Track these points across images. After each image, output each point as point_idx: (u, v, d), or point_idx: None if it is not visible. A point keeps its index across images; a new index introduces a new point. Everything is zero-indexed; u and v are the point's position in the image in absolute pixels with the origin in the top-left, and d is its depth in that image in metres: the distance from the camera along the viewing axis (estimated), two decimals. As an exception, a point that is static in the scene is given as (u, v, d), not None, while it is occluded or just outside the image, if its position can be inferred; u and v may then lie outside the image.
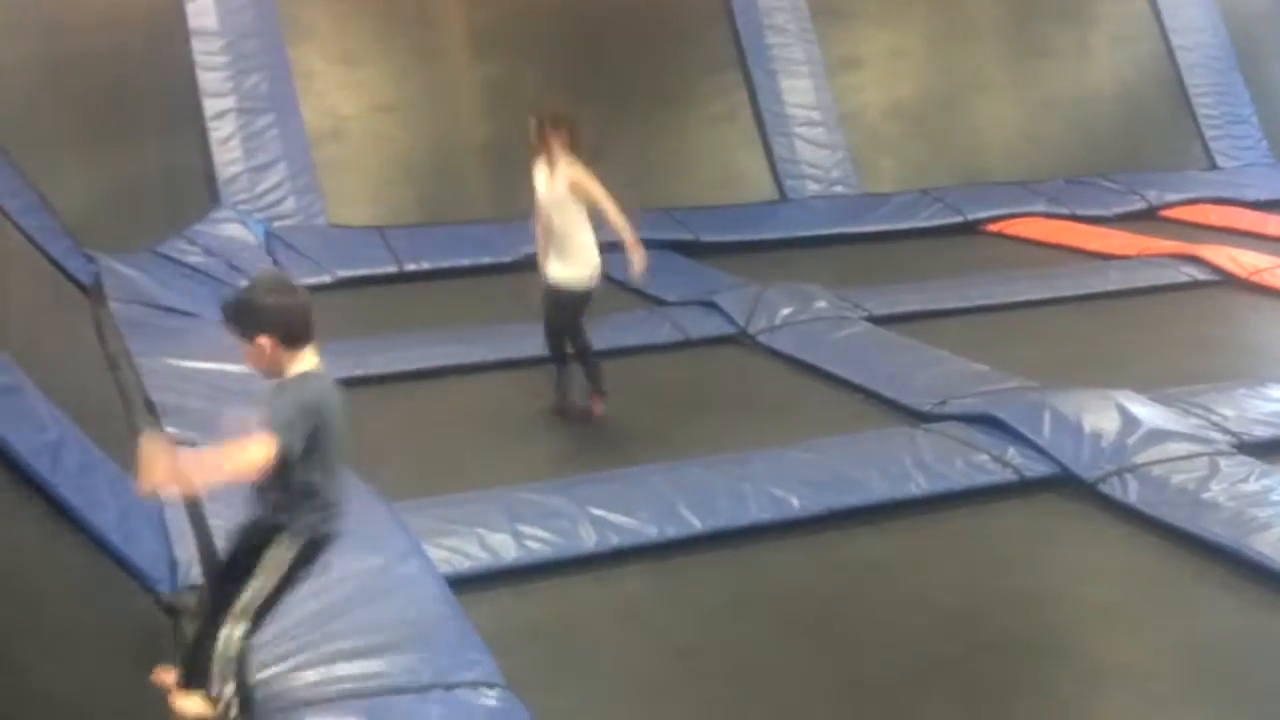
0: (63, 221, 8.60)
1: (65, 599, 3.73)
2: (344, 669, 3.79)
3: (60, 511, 4.01)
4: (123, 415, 5.82)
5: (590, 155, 6.08)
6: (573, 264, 6.05)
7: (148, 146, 9.95)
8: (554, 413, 6.39)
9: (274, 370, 3.19)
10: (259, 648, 3.66)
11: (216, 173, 10.28)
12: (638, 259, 6.10)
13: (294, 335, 3.19)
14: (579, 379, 6.50)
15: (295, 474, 3.13)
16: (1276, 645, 4.53)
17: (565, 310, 6.18)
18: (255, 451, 3.00)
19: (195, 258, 9.46)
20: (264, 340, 3.17)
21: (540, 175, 6.09)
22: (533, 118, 6.10)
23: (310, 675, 3.74)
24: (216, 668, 3.17)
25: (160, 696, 3.53)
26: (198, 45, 10.53)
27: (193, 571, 4.24)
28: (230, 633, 3.19)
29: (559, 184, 5.95)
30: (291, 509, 3.18)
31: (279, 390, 3.15)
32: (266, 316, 3.18)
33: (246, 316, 3.21)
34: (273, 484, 3.13)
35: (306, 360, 3.21)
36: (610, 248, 6.39)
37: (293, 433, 3.08)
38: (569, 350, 6.38)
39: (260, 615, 3.22)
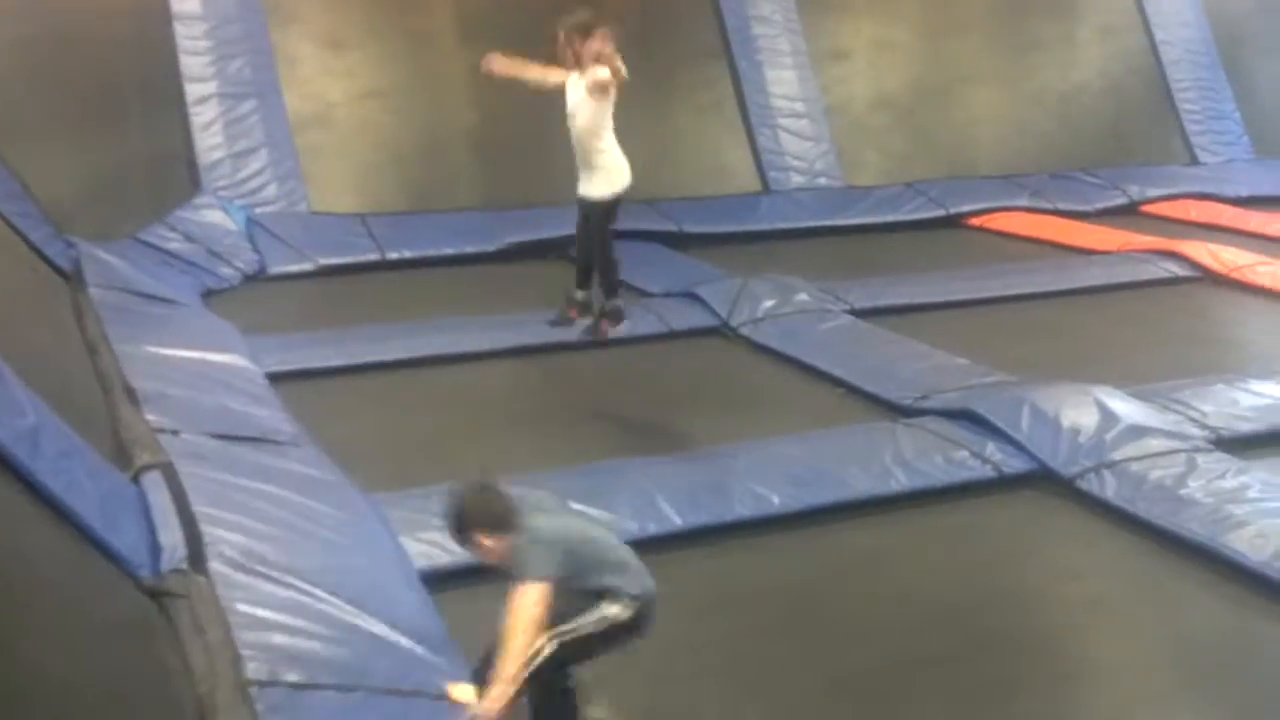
0: (43, 207, 8.54)
1: (49, 584, 3.72)
2: (326, 662, 3.79)
3: (40, 497, 3.99)
4: (102, 402, 5.79)
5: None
6: (595, 177, 5.94)
7: (129, 132, 9.88)
8: (572, 314, 6.13)
9: (504, 556, 3.52)
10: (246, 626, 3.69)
11: (198, 158, 10.22)
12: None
13: (501, 522, 3.52)
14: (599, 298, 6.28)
15: (586, 585, 3.51)
16: (1253, 642, 4.58)
17: (589, 223, 6.04)
18: (527, 604, 3.35)
19: (176, 244, 9.42)
20: (483, 539, 3.56)
21: (569, 84, 5.96)
22: (560, 33, 5.96)
23: (294, 661, 3.74)
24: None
25: (149, 679, 3.53)
26: (180, 29, 10.45)
27: (176, 556, 4.22)
28: (541, 644, 3.43)
29: (579, 87, 5.82)
30: (600, 604, 3.53)
31: (517, 552, 3.47)
32: (473, 520, 3.57)
33: (459, 530, 3.62)
34: (570, 606, 3.48)
35: (523, 529, 3.52)
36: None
37: (548, 566, 3.42)
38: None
39: (569, 648, 3.46)
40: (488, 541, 3.54)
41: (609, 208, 6.04)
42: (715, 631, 4.56)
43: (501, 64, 6.21)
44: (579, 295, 6.32)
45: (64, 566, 3.90)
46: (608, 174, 5.95)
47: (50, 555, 3.88)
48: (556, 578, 3.43)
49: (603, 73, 5.74)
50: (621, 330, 6.12)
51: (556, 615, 3.46)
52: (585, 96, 5.85)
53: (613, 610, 3.54)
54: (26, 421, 4.16)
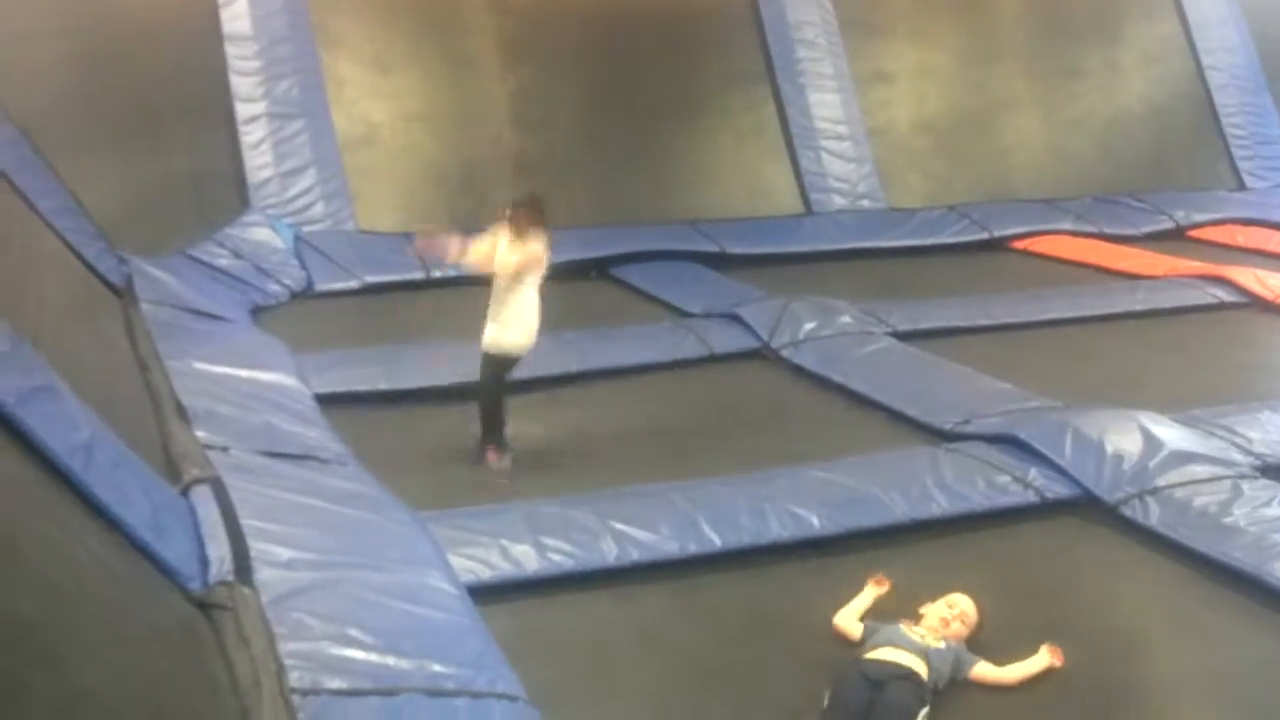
0: (95, 223, 8.67)
1: (100, 596, 3.77)
2: (370, 668, 3.84)
3: (93, 509, 4.06)
4: (153, 417, 5.87)
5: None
6: (512, 329, 6.36)
7: (179, 149, 10.03)
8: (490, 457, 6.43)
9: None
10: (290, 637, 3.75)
11: (247, 177, 10.37)
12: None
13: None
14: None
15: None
16: (1296, 673, 4.53)
17: (492, 369, 6.44)
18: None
19: (225, 261, 9.54)
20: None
21: (502, 243, 6.41)
22: (508, 209, 6.46)
23: (338, 670, 3.79)
24: None
25: (195, 690, 3.58)
26: (231, 50, 10.61)
27: (224, 568, 4.28)
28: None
29: (515, 255, 6.30)
30: None
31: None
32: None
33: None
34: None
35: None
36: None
37: None
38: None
39: None
40: None
41: (514, 359, 6.42)
42: (752, 653, 4.57)
43: (425, 244, 6.78)
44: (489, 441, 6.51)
45: (115, 577, 3.96)
46: (521, 329, 6.34)
47: (101, 566, 3.94)
48: None
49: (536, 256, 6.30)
50: (507, 463, 6.35)
51: None
52: (522, 262, 6.28)
53: None
54: (80, 435, 4.23)
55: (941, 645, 4.36)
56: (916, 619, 4.52)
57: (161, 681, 3.62)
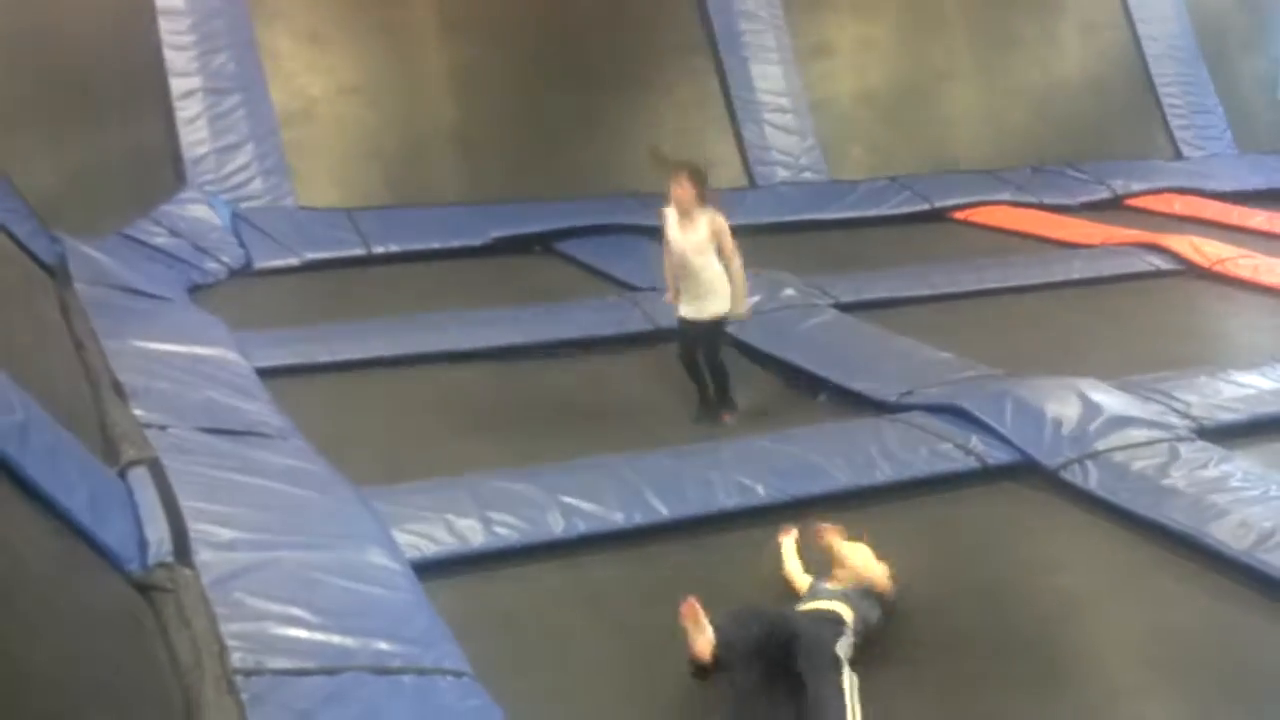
0: (27, 202, 8.52)
1: (38, 578, 3.72)
2: (313, 647, 3.82)
3: (29, 492, 4.00)
4: (90, 397, 5.79)
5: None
6: (714, 299, 6.50)
7: (113, 126, 9.86)
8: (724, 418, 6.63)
9: None
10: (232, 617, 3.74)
11: (183, 153, 10.21)
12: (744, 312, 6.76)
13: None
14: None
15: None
16: (1234, 632, 4.61)
17: (698, 340, 6.61)
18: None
19: (161, 239, 9.41)
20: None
21: (672, 219, 6.50)
22: (675, 174, 6.47)
23: (281, 649, 3.76)
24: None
25: (137, 673, 3.54)
26: (165, 24, 10.43)
27: (163, 550, 4.23)
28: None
29: (700, 231, 6.40)
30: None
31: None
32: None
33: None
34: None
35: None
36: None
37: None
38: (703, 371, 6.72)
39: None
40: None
41: (718, 326, 6.61)
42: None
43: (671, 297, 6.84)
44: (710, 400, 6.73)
45: (53, 561, 3.91)
46: (716, 298, 6.50)
47: (39, 550, 3.89)
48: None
49: (724, 236, 6.46)
50: (733, 419, 6.61)
51: None
52: (706, 240, 6.41)
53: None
54: (14, 417, 4.16)
55: (850, 586, 4.44)
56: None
57: (103, 663, 3.58)
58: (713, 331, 6.58)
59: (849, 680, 4.01)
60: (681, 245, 6.46)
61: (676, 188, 6.38)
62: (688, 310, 6.55)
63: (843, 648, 4.13)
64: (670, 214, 6.49)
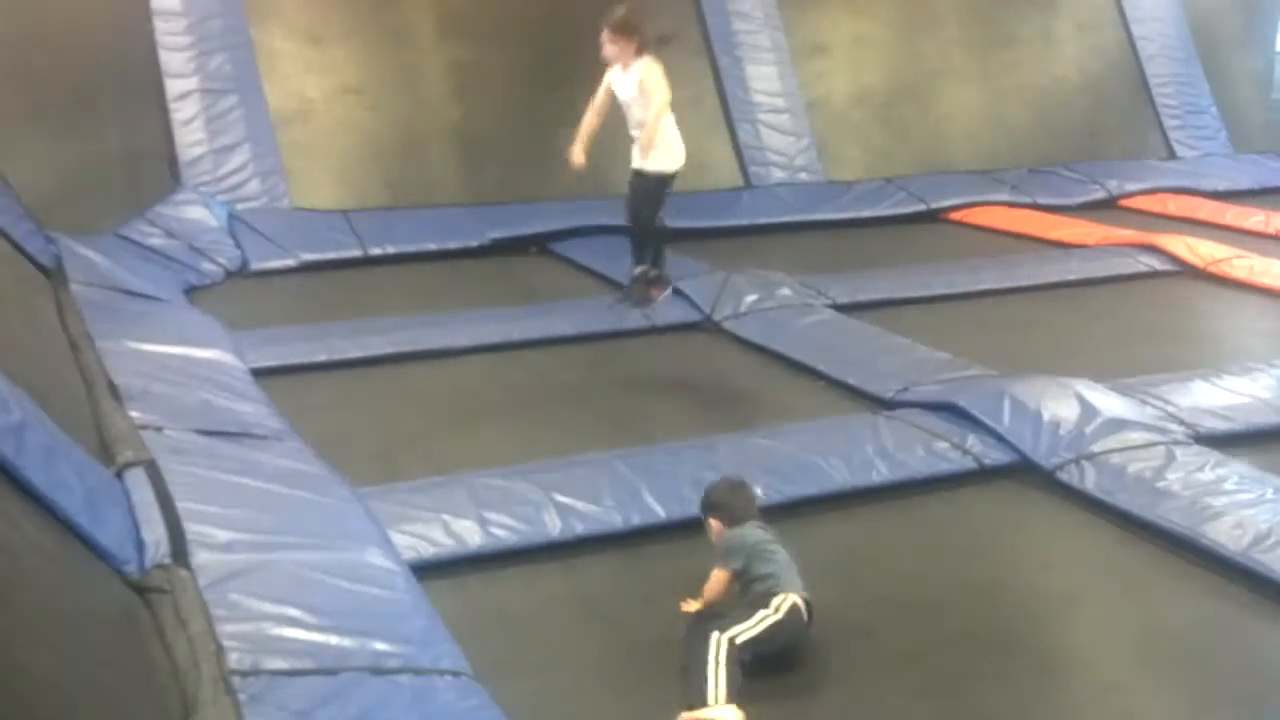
0: (23, 203, 8.52)
1: (34, 578, 3.72)
2: (311, 648, 3.81)
3: (25, 493, 4.00)
4: (86, 398, 5.79)
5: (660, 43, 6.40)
6: (651, 153, 6.31)
7: (109, 127, 9.86)
8: (653, 293, 6.52)
9: (719, 537, 4.58)
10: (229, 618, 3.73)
11: (179, 154, 10.20)
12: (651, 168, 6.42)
13: (734, 519, 4.55)
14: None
15: (751, 578, 4.38)
16: (1229, 633, 4.62)
17: (642, 195, 6.39)
18: (716, 578, 4.48)
19: (157, 240, 9.41)
20: (713, 521, 4.62)
21: (614, 75, 6.37)
22: (605, 29, 6.35)
23: (278, 650, 3.76)
24: (712, 672, 4.02)
25: (134, 674, 3.54)
26: (160, 25, 10.42)
27: (160, 551, 4.23)
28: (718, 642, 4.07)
29: (631, 81, 6.23)
30: (756, 592, 4.34)
31: (721, 543, 4.55)
32: (716, 508, 4.63)
33: (705, 508, 4.67)
34: (745, 588, 4.40)
35: (744, 530, 4.53)
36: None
37: (731, 561, 4.43)
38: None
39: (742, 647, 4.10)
40: (717, 529, 4.59)
41: (662, 182, 6.37)
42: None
43: (579, 153, 6.61)
44: (641, 271, 6.57)
45: (49, 562, 3.91)
46: (663, 151, 6.31)
47: (35, 551, 3.88)
48: (734, 569, 4.42)
49: (647, 83, 6.24)
50: (666, 294, 6.31)
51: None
52: (638, 94, 6.23)
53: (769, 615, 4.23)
54: (11, 418, 4.16)
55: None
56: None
57: (100, 665, 3.58)
58: (648, 189, 6.32)
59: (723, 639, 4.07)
60: (620, 97, 6.30)
61: (605, 44, 6.25)
62: (635, 161, 6.34)
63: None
64: (614, 70, 6.35)
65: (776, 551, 4.43)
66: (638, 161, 6.31)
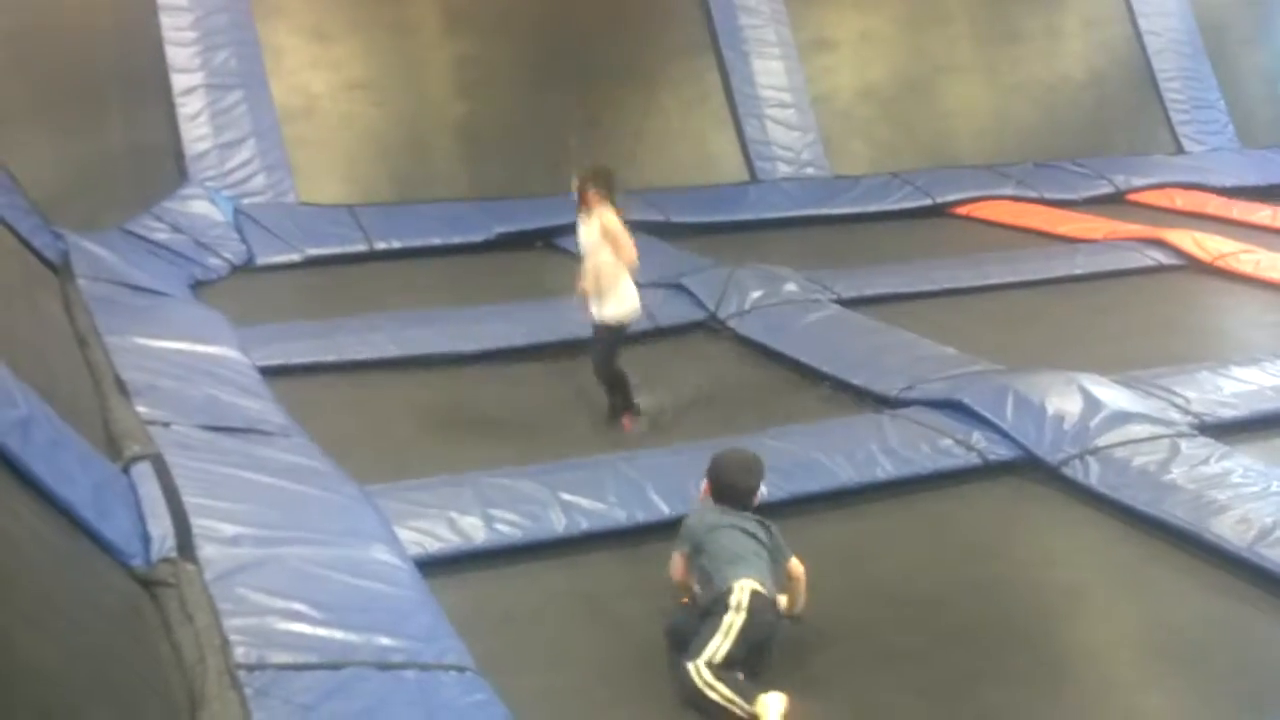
0: (30, 198, 8.53)
1: (41, 572, 3.74)
2: (316, 642, 3.83)
3: (32, 487, 4.01)
4: (93, 393, 5.80)
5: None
6: (609, 302, 6.43)
7: (116, 122, 9.87)
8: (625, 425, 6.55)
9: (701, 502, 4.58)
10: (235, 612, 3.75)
11: (185, 149, 10.22)
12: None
13: (719, 493, 4.49)
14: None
15: (700, 564, 4.34)
16: (1234, 628, 4.62)
17: (602, 343, 6.55)
18: (673, 561, 4.47)
19: (163, 235, 9.42)
20: (705, 485, 4.58)
21: (581, 224, 6.51)
22: (575, 177, 6.50)
23: (283, 644, 3.78)
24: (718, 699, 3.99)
25: (141, 668, 3.55)
26: (166, 20, 10.44)
27: (166, 545, 4.25)
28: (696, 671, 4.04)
29: (594, 230, 6.39)
30: (707, 589, 4.27)
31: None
32: (714, 472, 4.54)
33: (709, 469, 4.57)
34: (700, 575, 4.36)
35: (711, 508, 4.48)
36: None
37: (681, 544, 4.43)
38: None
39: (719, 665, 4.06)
40: (705, 491, 4.55)
41: (618, 331, 6.52)
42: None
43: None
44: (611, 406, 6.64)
45: (56, 556, 3.92)
46: (623, 298, 6.45)
47: (42, 544, 3.90)
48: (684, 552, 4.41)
49: (619, 235, 6.35)
50: (641, 425, 6.52)
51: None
52: (599, 239, 6.36)
53: (731, 619, 4.13)
54: (18, 412, 4.18)
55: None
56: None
57: (107, 658, 3.59)
58: (605, 336, 6.47)
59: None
60: (582, 245, 6.43)
61: (584, 193, 6.38)
62: (593, 309, 6.46)
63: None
64: (581, 218, 6.48)
65: (728, 537, 4.29)
66: (596, 314, 6.46)
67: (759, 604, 4.14)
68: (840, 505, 5.48)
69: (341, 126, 11.03)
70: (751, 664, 4.11)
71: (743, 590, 4.13)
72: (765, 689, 3.93)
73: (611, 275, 6.36)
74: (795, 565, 4.45)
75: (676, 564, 4.43)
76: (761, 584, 4.18)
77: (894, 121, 12.85)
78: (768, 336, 7.77)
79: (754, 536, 4.34)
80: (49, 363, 5.81)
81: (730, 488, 4.47)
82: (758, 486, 4.56)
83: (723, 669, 4.00)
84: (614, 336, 6.51)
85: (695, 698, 3.98)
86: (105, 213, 9.24)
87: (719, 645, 4.04)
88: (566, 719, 4.02)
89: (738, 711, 3.91)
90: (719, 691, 3.95)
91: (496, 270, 9.63)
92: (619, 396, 6.55)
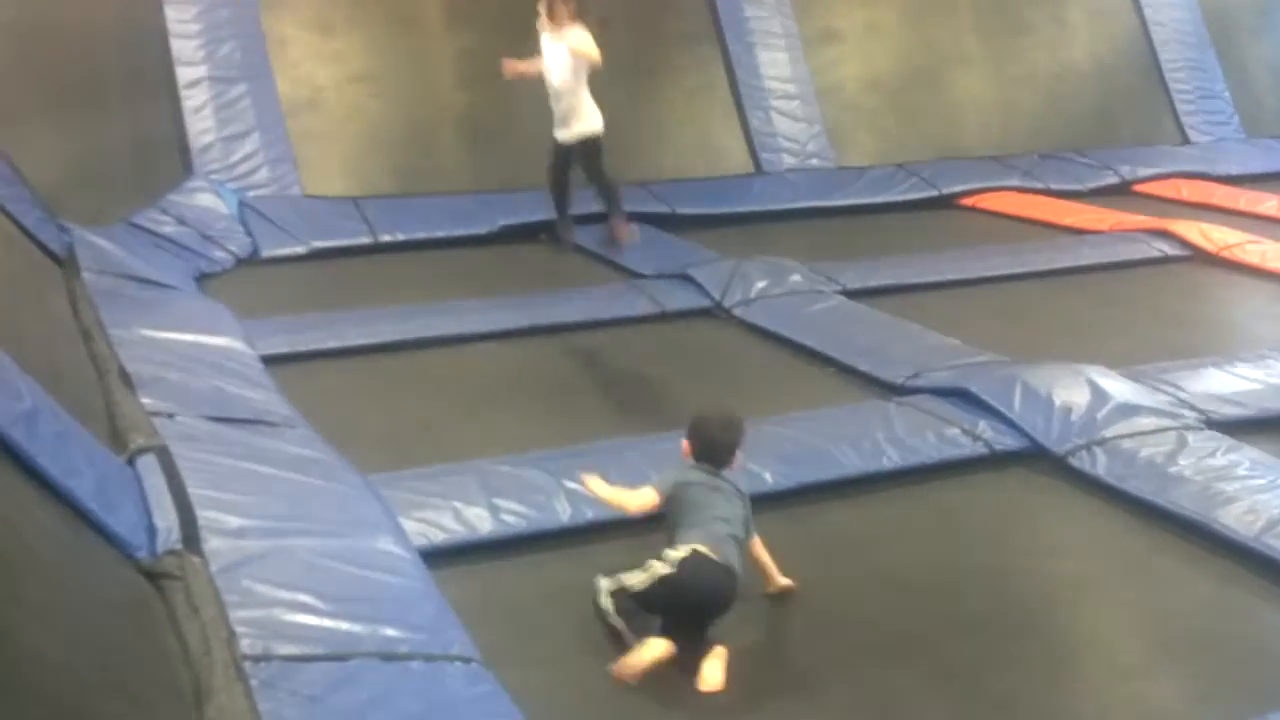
0: (35, 191, 8.53)
1: (46, 565, 3.74)
2: (322, 634, 3.83)
3: (37, 480, 4.01)
4: (98, 386, 5.80)
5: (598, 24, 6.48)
6: (573, 121, 6.42)
7: (120, 115, 9.86)
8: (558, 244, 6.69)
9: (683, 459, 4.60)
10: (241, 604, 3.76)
11: (190, 142, 10.21)
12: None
13: (700, 453, 4.53)
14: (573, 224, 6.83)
15: (666, 519, 4.44)
16: (1241, 618, 4.61)
17: (575, 160, 6.54)
18: (643, 494, 4.52)
19: (169, 228, 9.41)
20: (685, 443, 4.60)
21: (548, 42, 6.44)
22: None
23: (289, 636, 3.78)
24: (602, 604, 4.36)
25: (147, 660, 3.56)
26: (171, 13, 10.43)
27: (172, 537, 4.25)
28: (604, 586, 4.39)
29: (562, 48, 6.32)
30: (667, 532, 4.40)
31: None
32: (694, 432, 4.58)
33: (689, 428, 4.62)
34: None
35: (692, 465, 4.53)
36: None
37: (659, 486, 4.48)
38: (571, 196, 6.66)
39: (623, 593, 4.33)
40: (685, 451, 4.57)
41: (595, 143, 6.48)
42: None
43: (512, 66, 6.78)
44: (565, 230, 6.76)
45: (61, 548, 3.93)
46: (588, 117, 6.41)
47: (47, 537, 3.90)
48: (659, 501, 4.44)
49: (589, 50, 6.23)
50: (635, 231, 6.40)
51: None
52: (568, 59, 6.06)
53: (657, 569, 4.25)
54: (23, 405, 4.18)
55: None
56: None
57: (112, 650, 3.59)
58: (588, 151, 6.39)
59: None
60: (547, 63, 6.35)
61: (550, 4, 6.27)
62: (559, 133, 6.40)
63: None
64: (546, 34, 6.39)
65: (699, 493, 4.38)
66: (564, 132, 6.42)
67: (695, 564, 4.18)
68: (845, 494, 5.48)
69: (346, 119, 11.02)
70: (693, 623, 4.19)
71: (678, 554, 4.22)
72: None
73: (578, 94, 6.27)
74: (756, 543, 4.55)
75: (641, 494, 4.47)
76: (713, 549, 4.22)
77: (899, 113, 12.81)
78: (774, 325, 7.77)
79: (725, 498, 4.42)
80: (54, 356, 5.82)
81: (710, 444, 4.51)
82: (737, 443, 4.57)
83: (633, 601, 4.25)
84: (596, 148, 6.47)
85: (596, 612, 4.34)
86: (110, 206, 9.23)
87: (634, 578, 4.29)
88: (572, 710, 4.02)
89: (626, 639, 4.19)
90: (609, 615, 4.30)
91: (501, 262, 9.63)
92: (611, 205, 6.43)
